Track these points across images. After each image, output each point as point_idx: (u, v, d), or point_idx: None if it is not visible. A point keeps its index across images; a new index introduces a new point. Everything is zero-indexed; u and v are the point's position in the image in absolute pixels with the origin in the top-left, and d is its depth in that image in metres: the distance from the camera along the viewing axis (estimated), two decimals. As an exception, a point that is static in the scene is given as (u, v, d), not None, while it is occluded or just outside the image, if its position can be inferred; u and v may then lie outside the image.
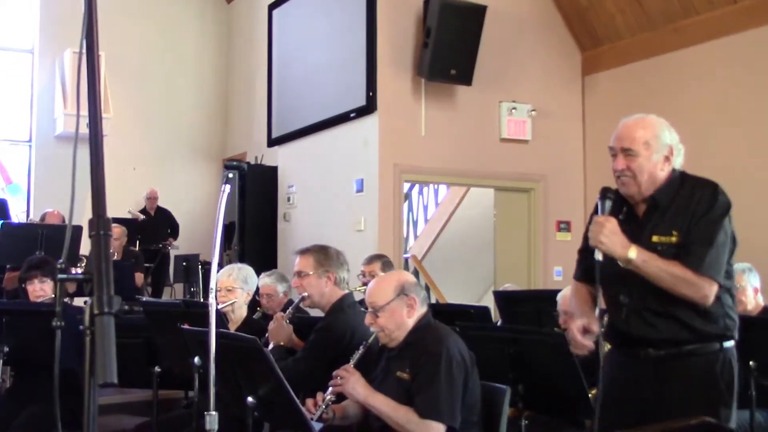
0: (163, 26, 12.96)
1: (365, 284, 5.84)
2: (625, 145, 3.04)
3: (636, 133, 3.04)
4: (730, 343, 3.06)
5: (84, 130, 1.63)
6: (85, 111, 1.60)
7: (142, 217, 11.56)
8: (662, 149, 3.05)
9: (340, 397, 3.56)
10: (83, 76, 1.56)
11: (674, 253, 2.96)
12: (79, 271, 1.52)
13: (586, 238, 3.28)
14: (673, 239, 2.98)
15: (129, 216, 11.34)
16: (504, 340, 4.08)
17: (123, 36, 12.13)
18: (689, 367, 3.01)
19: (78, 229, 6.14)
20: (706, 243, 2.95)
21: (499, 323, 5.95)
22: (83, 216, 1.59)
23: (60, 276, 1.55)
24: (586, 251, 3.29)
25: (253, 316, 5.25)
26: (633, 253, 2.92)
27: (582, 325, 3.18)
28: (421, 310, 3.56)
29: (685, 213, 3.01)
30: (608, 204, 3.04)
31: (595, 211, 3.16)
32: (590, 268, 3.21)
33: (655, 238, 3.00)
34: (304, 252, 4.35)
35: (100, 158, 1.53)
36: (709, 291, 2.93)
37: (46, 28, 12.08)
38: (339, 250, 4.42)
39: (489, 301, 7.66)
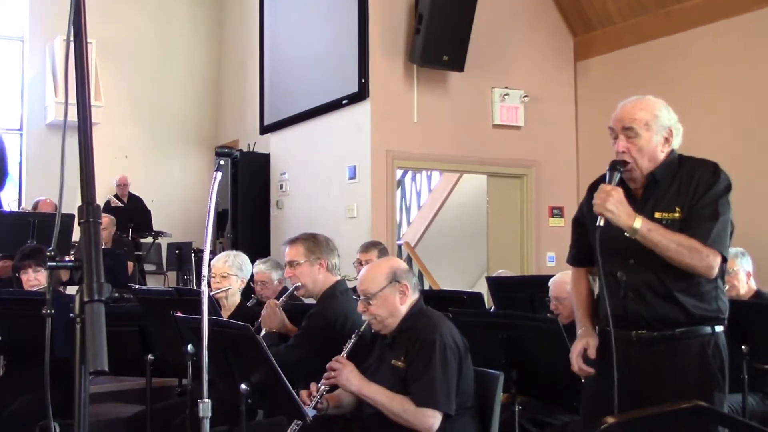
0: (155, 14, 12.89)
1: (361, 273, 5.83)
2: (627, 125, 3.04)
3: (636, 114, 3.05)
4: (720, 328, 3.07)
5: (74, 117, 1.62)
6: (74, 99, 1.59)
7: (119, 204, 11.52)
8: (662, 131, 3.06)
9: (334, 386, 3.55)
10: (71, 61, 1.54)
11: (679, 229, 2.96)
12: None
13: (580, 209, 3.34)
14: (677, 215, 3.00)
15: (117, 203, 11.33)
16: (497, 326, 4.09)
17: (114, 24, 12.08)
18: (682, 350, 3.02)
19: (70, 218, 6.12)
20: (712, 217, 2.96)
21: (492, 309, 5.96)
22: (76, 204, 1.58)
23: (50, 264, 1.54)
24: (579, 226, 3.34)
25: (247, 303, 5.25)
26: (638, 222, 2.92)
27: (582, 348, 3.18)
28: (413, 296, 3.55)
29: (687, 191, 3.02)
30: (617, 176, 3.02)
31: (593, 188, 3.18)
32: (585, 248, 3.27)
33: (657, 215, 3.01)
34: (293, 241, 4.34)
35: (89, 145, 1.52)
36: (714, 261, 2.93)
37: (36, 15, 12.02)
38: (328, 237, 4.41)
39: (482, 288, 7.67)
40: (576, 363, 3.17)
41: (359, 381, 3.43)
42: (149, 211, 11.83)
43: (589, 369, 3.14)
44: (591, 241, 3.16)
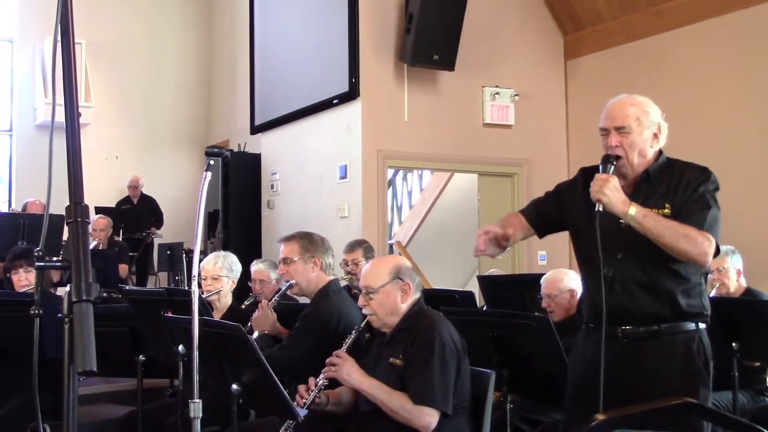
0: (145, 14, 12.87)
1: (348, 273, 5.83)
2: (618, 124, 3.10)
3: (627, 110, 3.11)
4: (703, 326, 3.10)
5: (62, 118, 1.61)
6: (62, 99, 1.58)
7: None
8: (652, 126, 3.12)
9: (332, 382, 3.55)
10: (59, 61, 1.53)
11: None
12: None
13: (567, 184, 3.40)
14: (666, 211, 3.04)
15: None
16: (488, 325, 4.09)
17: (104, 25, 12.07)
18: (667, 346, 3.05)
19: (60, 218, 6.10)
20: (704, 207, 3.01)
21: (483, 308, 5.97)
22: (65, 204, 1.58)
23: (38, 264, 1.53)
24: (554, 195, 3.41)
25: (246, 302, 5.25)
26: (633, 209, 2.95)
27: (495, 232, 3.21)
28: (414, 295, 3.55)
29: (677, 188, 3.07)
30: (611, 168, 3.07)
31: (584, 172, 3.26)
32: (543, 214, 3.40)
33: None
34: (288, 239, 4.35)
35: (76, 145, 1.51)
36: (708, 248, 2.95)
37: (25, 16, 11.98)
38: (323, 237, 4.41)
39: (474, 286, 7.67)
40: (480, 237, 3.19)
41: (360, 375, 3.43)
42: (161, 213, 11.88)
43: (488, 250, 3.19)
44: (582, 232, 3.21)
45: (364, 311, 3.56)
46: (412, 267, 3.69)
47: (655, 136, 3.13)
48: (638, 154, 3.10)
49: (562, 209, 3.34)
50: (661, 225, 2.94)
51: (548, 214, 3.41)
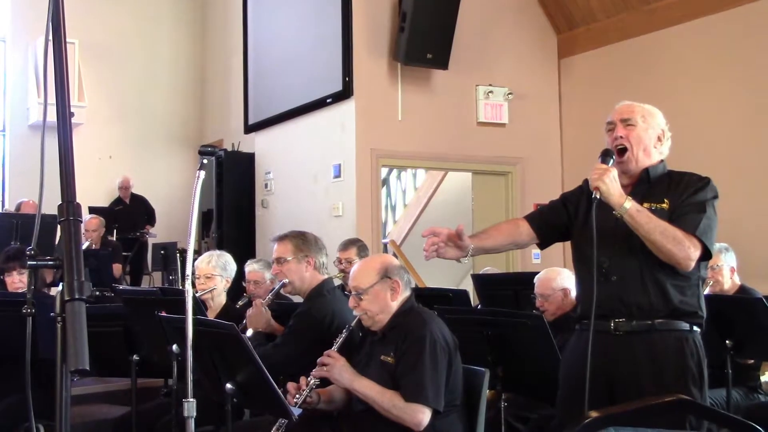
0: (139, 14, 12.85)
1: (342, 271, 5.83)
2: (625, 116, 3.18)
3: (635, 108, 3.21)
4: (698, 329, 3.11)
5: (54, 118, 1.60)
6: (54, 99, 1.57)
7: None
8: (657, 128, 3.19)
9: (323, 381, 3.55)
10: (50, 59, 1.53)
11: (667, 219, 3.02)
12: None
13: (573, 193, 3.39)
14: (665, 206, 3.07)
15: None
16: (483, 323, 4.10)
17: (97, 24, 12.05)
18: (659, 343, 3.05)
19: (54, 218, 6.07)
20: (700, 210, 3.03)
21: (478, 306, 5.97)
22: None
23: (30, 263, 1.53)
24: (562, 203, 3.41)
25: (240, 302, 5.24)
26: (629, 203, 2.97)
27: (447, 233, 3.19)
28: (404, 293, 3.55)
29: (676, 189, 3.11)
30: (610, 161, 3.09)
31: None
32: (549, 224, 3.38)
33: (646, 204, 3.06)
34: (282, 238, 4.34)
35: (68, 144, 1.51)
36: (693, 253, 2.97)
37: (18, 15, 11.96)
38: (316, 236, 4.41)
39: (468, 285, 7.67)
40: (429, 239, 3.19)
41: (351, 375, 3.44)
42: (153, 210, 11.88)
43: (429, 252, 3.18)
44: (583, 230, 3.20)
45: (355, 312, 3.57)
46: (401, 265, 3.69)
47: (659, 139, 3.18)
48: (642, 150, 3.14)
49: (568, 213, 3.34)
50: (653, 223, 2.96)
51: (554, 220, 3.41)
